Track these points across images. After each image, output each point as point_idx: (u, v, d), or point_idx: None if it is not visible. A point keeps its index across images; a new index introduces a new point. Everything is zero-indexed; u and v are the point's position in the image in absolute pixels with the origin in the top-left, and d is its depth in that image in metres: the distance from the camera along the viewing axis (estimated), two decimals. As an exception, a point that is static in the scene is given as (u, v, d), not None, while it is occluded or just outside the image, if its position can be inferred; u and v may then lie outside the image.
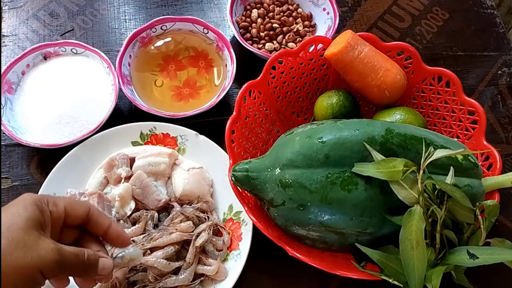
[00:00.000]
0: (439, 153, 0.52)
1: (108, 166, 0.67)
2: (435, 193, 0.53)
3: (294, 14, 0.86)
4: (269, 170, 0.56)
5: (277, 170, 0.56)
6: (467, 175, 0.58)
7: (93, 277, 0.49)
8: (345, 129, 0.56)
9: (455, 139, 0.66)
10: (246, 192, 0.61)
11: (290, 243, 0.58)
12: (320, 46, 0.70)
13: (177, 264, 0.61)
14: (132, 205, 0.66)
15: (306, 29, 0.84)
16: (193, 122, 0.74)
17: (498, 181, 0.61)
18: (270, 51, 0.81)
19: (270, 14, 0.85)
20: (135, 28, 0.80)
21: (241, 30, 0.84)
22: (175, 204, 0.66)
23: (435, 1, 0.95)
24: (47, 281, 0.44)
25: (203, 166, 0.70)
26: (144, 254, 0.60)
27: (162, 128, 0.72)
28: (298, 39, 0.83)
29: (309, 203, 0.54)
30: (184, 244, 0.63)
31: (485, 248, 0.53)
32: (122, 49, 0.76)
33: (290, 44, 0.83)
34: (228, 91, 0.75)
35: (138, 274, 0.60)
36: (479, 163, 0.62)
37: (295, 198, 0.54)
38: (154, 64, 0.80)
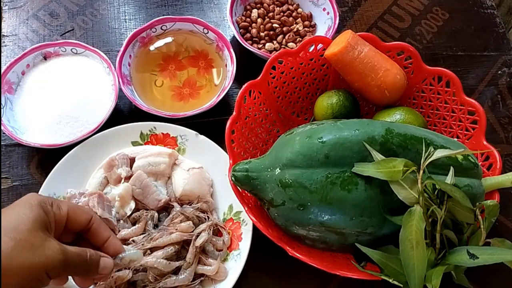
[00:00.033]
0: (439, 153, 0.52)
1: (108, 166, 0.67)
2: (435, 193, 0.53)
3: (294, 14, 0.86)
4: (269, 170, 0.56)
5: (277, 170, 0.56)
6: (467, 175, 0.59)
7: (94, 276, 0.49)
8: (345, 129, 0.56)
9: (455, 139, 0.66)
10: (246, 192, 0.61)
11: (290, 243, 0.58)
12: (320, 46, 0.70)
13: (177, 264, 0.61)
14: (132, 205, 0.66)
15: (306, 29, 0.84)
16: (193, 122, 0.74)
17: (498, 181, 0.61)
18: (270, 51, 0.81)
19: (270, 14, 0.85)
20: (135, 28, 0.80)
21: (241, 30, 0.84)
22: (175, 204, 0.66)
23: (435, 1, 0.95)
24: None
25: (203, 166, 0.70)
26: (144, 254, 0.60)
27: (162, 128, 0.72)
28: (298, 39, 0.83)
29: (309, 203, 0.54)
30: (184, 244, 0.63)
31: (485, 248, 0.53)
32: (122, 49, 0.76)
33: (290, 44, 0.83)
34: (228, 91, 0.75)
35: (138, 274, 0.60)
36: (479, 163, 0.62)
37: (295, 198, 0.54)
38: (154, 64, 0.80)
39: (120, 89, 0.73)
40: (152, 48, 0.81)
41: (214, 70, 0.80)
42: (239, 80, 0.77)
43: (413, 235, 0.50)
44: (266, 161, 0.58)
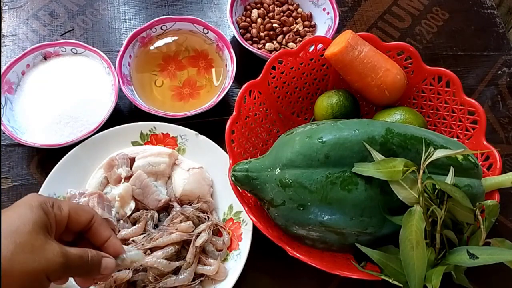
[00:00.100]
0: (439, 153, 0.52)
1: (108, 166, 0.67)
2: (435, 193, 0.53)
3: (294, 14, 0.86)
4: (269, 170, 0.56)
5: (277, 170, 0.56)
6: (467, 175, 0.58)
7: (96, 276, 0.49)
8: (345, 129, 0.56)
9: (455, 139, 0.66)
10: (246, 192, 0.61)
11: (290, 243, 0.58)
12: (320, 46, 0.70)
13: (177, 264, 0.61)
14: (132, 205, 0.66)
15: (306, 29, 0.84)
16: (193, 122, 0.74)
17: (498, 181, 0.61)
18: (270, 51, 0.81)
19: (270, 14, 0.85)
20: (135, 28, 0.80)
21: (241, 30, 0.84)
22: (175, 204, 0.66)
23: (435, 1, 0.95)
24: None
25: (203, 166, 0.70)
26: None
27: (162, 128, 0.72)
28: (298, 39, 0.83)
29: (309, 203, 0.54)
30: (184, 244, 0.63)
31: (485, 248, 0.53)
32: (122, 49, 0.76)
33: (290, 44, 0.83)
34: (228, 91, 0.75)
35: (138, 274, 0.60)
36: (479, 163, 0.62)
37: (295, 198, 0.54)
38: (154, 64, 0.80)
39: (120, 89, 0.73)
40: (152, 48, 0.81)
41: (214, 70, 0.80)
42: (239, 80, 0.77)
43: (413, 235, 0.50)
44: (266, 161, 0.58)
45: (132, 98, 0.72)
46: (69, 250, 0.44)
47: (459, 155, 0.58)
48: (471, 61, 0.89)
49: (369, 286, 0.65)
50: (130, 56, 0.78)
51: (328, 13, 0.83)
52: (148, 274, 0.60)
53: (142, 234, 0.63)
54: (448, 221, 0.54)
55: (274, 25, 0.83)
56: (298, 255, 0.55)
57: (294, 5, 0.87)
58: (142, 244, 0.61)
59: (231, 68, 0.76)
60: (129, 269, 0.59)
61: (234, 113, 0.64)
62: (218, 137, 0.69)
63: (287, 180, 0.55)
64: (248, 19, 0.84)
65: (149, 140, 0.72)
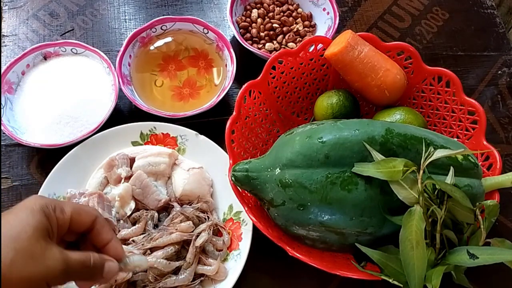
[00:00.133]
0: (439, 153, 0.52)
1: (108, 166, 0.67)
2: (435, 193, 0.53)
3: (294, 14, 0.86)
4: (269, 170, 0.56)
5: (277, 170, 0.56)
6: (467, 175, 0.58)
7: (98, 280, 0.48)
8: (345, 129, 0.56)
9: (455, 139, 0.66)
10: (246, 192, 0.61)
11: (290, 243, 0.58)
12: (320, 46, 0.70)
13: (177, 264, 0.61)
14: (132, 205, 0.66)
15: (306, 29, 0.84)
16: (193, 122, 0.74)
17: (498, 181, 0.61)
18: (270, 51, 0.81)
19: (270, 14, 0.85)
20: (135, 28, 0.80)
21: (241, 30, 0.84)
22: (175, 204, 0.66)
23: (435, 1, 0.95)
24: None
25: (203, 166, 0.70)
26: (144, 254, 0.60)
27: (162, 128, 0.72)
28: (298, 39, 0.83)
29: (309, 203, 0.54)
30: (184, 244, 0.63)
31: (485, 248, 0.53)
32: (122, 49, 0.76)
33: (290, 44, 0.83)
34: (228, 91, 0.75)
35: (138, 274, 0.60)
36: (479, 163, 0.62)
37: (295, 198, 0.54)
38: (154, 64, 0.80)
39: (120, 89, 0.73)
40: (152, 48, 0.81)
41: (214, 70, 0.80)
42: (239, 80, 0.77)
43: (413, 235, 0.50)
44: (266, 161, 0.58)
45: (132, 98, 0.72)
46: (71, 256, 0.43)
47: (459, 155, 0.58)
48: (471, 61, 0.89)
49: (369, 286, 0.65)
50: (130, 56, 0.78)
51: (328, 13, 0.83)
52: (148, 274, 0.60)
53: (142, 234, 0.63)
54: (448, 221, 0.54)
55: (274, 25, 0.83)
56: (298, 255, 0.55)
57: (294, 5, 0.87)
58: (142, 244, 0.61)
59: (231, 68, 0.76)
60: (129, 269, 0.59)
61: (234, 113, 0.64)
62: (218, 137, 0.69)
63: (287, 180, 0.55)
64: (248, 19, 0.84)
65: (149, 140, 0.72)
